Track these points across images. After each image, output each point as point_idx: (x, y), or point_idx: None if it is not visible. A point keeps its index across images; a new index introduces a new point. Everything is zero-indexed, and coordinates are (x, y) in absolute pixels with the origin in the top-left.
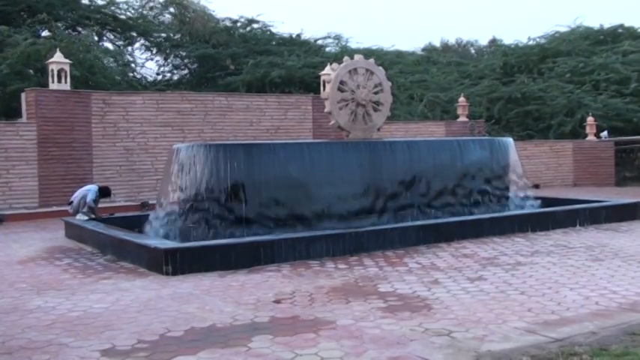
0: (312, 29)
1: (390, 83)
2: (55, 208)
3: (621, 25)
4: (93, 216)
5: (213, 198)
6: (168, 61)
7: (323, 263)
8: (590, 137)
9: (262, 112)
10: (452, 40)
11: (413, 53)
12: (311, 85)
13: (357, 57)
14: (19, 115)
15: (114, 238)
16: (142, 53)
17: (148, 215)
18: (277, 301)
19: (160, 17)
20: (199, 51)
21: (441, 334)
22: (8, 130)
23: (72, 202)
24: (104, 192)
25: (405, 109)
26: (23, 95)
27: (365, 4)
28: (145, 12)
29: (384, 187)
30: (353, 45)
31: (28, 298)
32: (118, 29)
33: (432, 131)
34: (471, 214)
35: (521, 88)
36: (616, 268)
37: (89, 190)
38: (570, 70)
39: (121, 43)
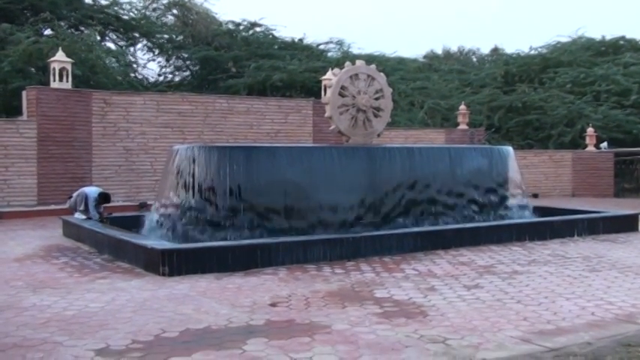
0: (314, 34)
1: (391, 89)
2: (53, 207)
3: (623, 37)
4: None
5: (211, 200)
6: (170, 62)
7: (320, 267)
8: (590, 148)
9: (263, 115)
10: (454, 48)
11: (415, 60)
12: (312, 90)
13: (358, 62)
14: (20, 112)
15: (111, 238)
16: (144, 54)
17: (146, 215)
18: (273, 305)
19: (162, 18)
20: (201, 53)
21: (436, 341)
22: (8, 127)
23: (71, 196)
24: (104, 197)
25: (405, 115)
26: (24, 93)
27: (368, 11)
28: (147, 13)
29: (383, 192)
30: (355, 50)
31: (24, 295)
32: (121, 29)
33: (432, 138)
34: (469, 221)
35: (522, 98)
36: (613, 279)
37: (90, 193)
38: (571, 80)
39: (123, 43)
